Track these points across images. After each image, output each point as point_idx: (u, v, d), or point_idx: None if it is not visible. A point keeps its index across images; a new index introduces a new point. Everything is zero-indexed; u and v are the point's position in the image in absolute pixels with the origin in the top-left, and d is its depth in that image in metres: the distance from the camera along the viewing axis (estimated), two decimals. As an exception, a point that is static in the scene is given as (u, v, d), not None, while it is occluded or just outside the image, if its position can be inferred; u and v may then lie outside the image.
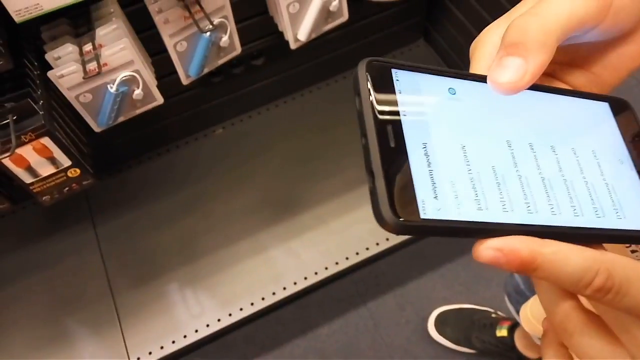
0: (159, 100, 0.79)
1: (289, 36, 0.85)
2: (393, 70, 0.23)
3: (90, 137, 0.86)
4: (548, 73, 0.28)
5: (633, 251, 0.38)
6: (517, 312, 0.93)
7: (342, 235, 1.06)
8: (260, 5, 0.90)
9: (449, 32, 1.18)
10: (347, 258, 1.03)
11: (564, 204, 0.23)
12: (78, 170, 0.75)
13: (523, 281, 0.89)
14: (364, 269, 1.14)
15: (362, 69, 0.23)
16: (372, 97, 0.22)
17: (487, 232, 0.21)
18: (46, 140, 0.69)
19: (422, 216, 0.20)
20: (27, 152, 0.69)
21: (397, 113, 0.22)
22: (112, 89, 0.73)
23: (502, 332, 1.13)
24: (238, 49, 0.85)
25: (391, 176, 0.20)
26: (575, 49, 0.27)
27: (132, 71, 0.73)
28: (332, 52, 1.17)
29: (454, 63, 1.21)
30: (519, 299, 0.91)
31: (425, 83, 0.24)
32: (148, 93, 0.77)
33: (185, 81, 0.83)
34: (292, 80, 1.20)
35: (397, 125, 0.22)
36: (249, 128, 1.20)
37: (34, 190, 0.75)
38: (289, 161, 1.14)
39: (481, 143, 0.23)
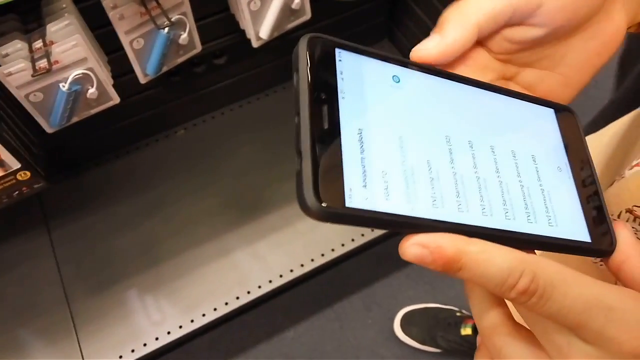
0: (115, 99, 0.76)
1: (250, 34, 0.83)
2: (337, 50, 0.23)
3: (43, 139, 0.83)
4: (508, 78, 0.28)
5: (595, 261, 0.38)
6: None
7: (308, 236, 1.04)
8: (221, 3, 0.87)
9: (412, 32, 1.19)
10: (312, 260, 1.02)
11: (496, 205, 0.23)
12: (28, 173, 0.71)
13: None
14: (329, 270, 1.14)
15: (303, 45, 0.22)
16: (310, 75, 0.21)
17: (414, 227, 0.20)
18: (-7, 142, 0.65)
19: (348, 204, 0.19)
20: (-28, 154, 0.65)
21: (335, 94, 0.21)
22: (65, 87, 0.70)
23: (466, 330, 1.14)
24: (198, 47, 0.83)
25: (319, 159, 0.19)
26: (540, 50, 0.27)
27: (86, 69, 0.70)
28: (296, 51, 1.16)
29: (418, 63, 1.21)
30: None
31: (369, 67, 0.23)
32: (103, 92, 0.74)
33: (143, 80, 0.81)
34: (256, 80, 1.18)
35: (334, 107, 0.21)
36: (211, 129, 1.17)
37: (-19, 195, 0.71)
38: (254, 163, 1.13)
39: (419, 135, 0.23)
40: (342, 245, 1.04)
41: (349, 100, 0.21)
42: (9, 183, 0.71)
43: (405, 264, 1.27)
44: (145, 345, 0.91)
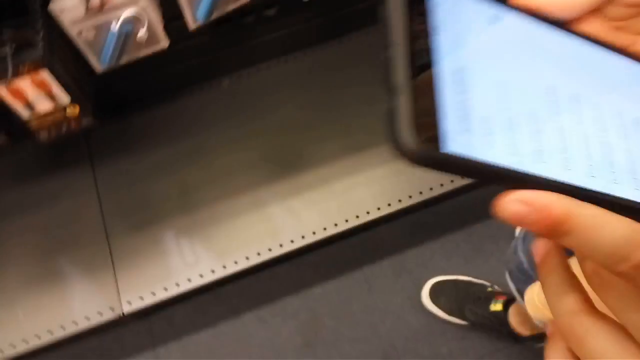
0: (164, 43, 0.77)
1: (303, -14, 0.81)
2: None
3: (93, 79, 0.84)
4: (623, 47, 0.26)
5: None
6: (518, 290, 0.92)
7: (344, 197, 1.04)
8: (276, -49, 0.86)
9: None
10: (346, 220, 1.02)
11: (603, 168, 0.20)
12: (77, 108, 0.73)
13: (527, 260, 0.88)
14: (363, 233, 1.14)
15: None
16: (403, 6, 0.19)
17: (514, 181, 0.18)
18: (45, 74, 0.67)
19: (445, 149, 0.18)
20: (25, 84, 0.67)
21: (431, 28, 0.19)
22: (116, 27, 0.70)
23: (496, 306, 1.13)
24: (249, -4, 0.82)
25: (416, 96, 0.18)
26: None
27: (138, 10, 0.70)
28: (348, 7, 1.13)
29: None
30: (521, 277, 0.90)
31: (467, 4, 0.21)
32: (153, 34, 0.74)
33: (192, 25, 0.80)
34: (305, 35, 1.16)
35: (430, 42, 0.19)
36: (256, 82, 1.17)
37: (31, 127, 0.73)
38: (296, 119, 1.12)
39: (521, 83, 0.21)
40: (378, 209, 1.03)
41: (445, 37, 0.20)
42: (58, 116, 0.73)
43: (440, 234, 1.26)
44: (177, 285, 0.94)
